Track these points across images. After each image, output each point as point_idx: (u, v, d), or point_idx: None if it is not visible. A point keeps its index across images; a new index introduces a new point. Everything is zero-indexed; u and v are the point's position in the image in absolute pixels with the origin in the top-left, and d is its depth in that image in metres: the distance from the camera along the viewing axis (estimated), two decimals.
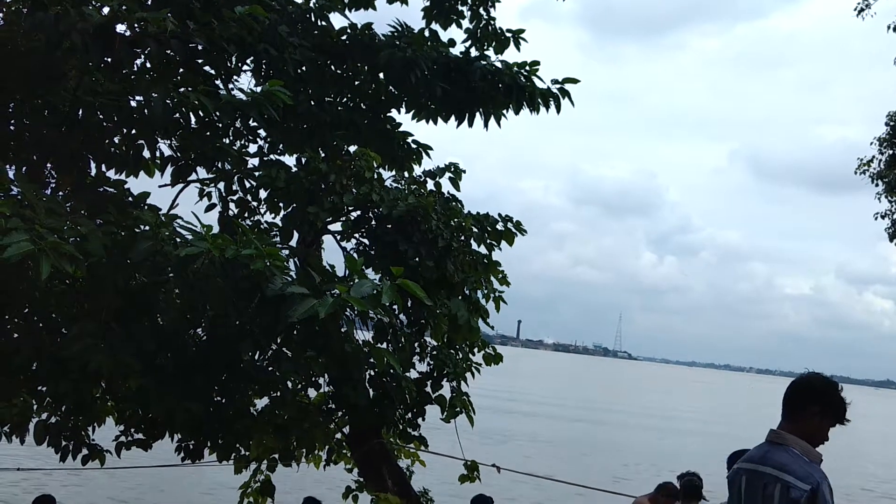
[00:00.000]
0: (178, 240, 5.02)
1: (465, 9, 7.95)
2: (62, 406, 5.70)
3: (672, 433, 38.08)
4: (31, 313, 5.76)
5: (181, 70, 6.11)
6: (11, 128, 6.00)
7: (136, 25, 5.24)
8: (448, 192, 7.51)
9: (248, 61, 6.86)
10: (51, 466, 6.75)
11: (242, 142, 7.28)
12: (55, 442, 5.81)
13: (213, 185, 7.24)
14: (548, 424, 35.22)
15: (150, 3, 5.77)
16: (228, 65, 6.57)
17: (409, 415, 7.13)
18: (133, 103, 5.99)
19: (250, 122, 6.47)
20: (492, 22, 7.94)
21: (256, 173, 6.99)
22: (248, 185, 7.24)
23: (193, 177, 6.93)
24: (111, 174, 6.29)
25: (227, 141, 7.01)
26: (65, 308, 5.66)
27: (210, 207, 7.27)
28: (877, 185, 15.06)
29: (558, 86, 7.47)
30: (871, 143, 15.23)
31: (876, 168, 15.07)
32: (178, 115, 5.77)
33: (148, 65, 5.96)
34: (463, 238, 7.05)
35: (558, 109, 7.48)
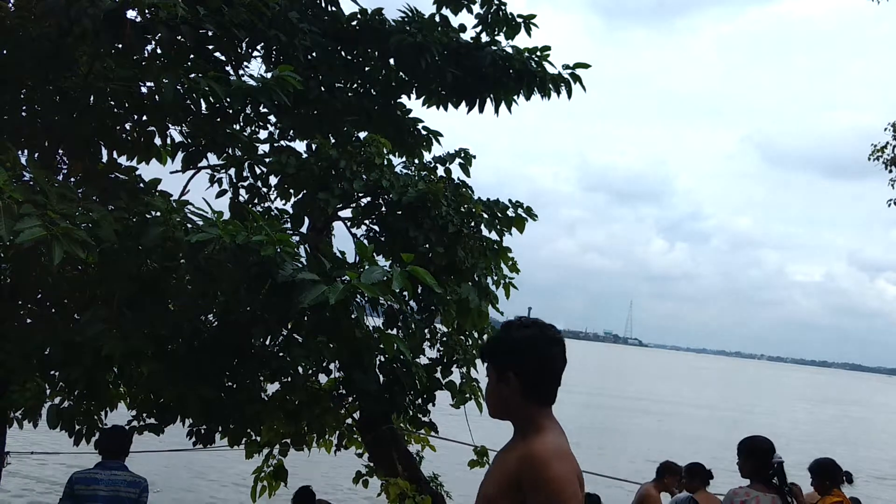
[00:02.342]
0: (190, 226, 5.04)
1: None
2: (75, 390, 5.74)
3: (681, 421, 38.07)
4: (44, 298, 5.80)
5: (192, 56, 6.11)
6: (23, 114, 6.02)
7: (146, 11, 5.24)
8: (458, 178, 7.50)
9: (258, 47, 6.85)
10: (64, 450, 6.81)
11: (253, 128, 7.30)
12: (68, 426, 5.86)
13: (223, 171, 7.26)
14: (557, 413, 35.23)
15: None
16: (239, 51, 6.57)
17: (420, 400, 7.15)
18: (144, 89, 6.00)
19: (261, 108, 6.48)
20: (502, 7, 7.89)
21: (267, 159, 7.00)
22: (258, 171, 7.26)
23: (204, 163, 6.95)
24: (122, 160, 6.32)
25: (238, 127, 7.02)
26: (77, 293, 5.70)
27: (221, 193, 7.29)
28: (890, 171, 14.95)
29: (569, 71, 7.43)
30: (886, 129, 15.10)
31: (889, 154, 14.95)
32: (188, 101, 5.77)
33: (159, 51, 5.96)
34: (473, 224, 7.04)
35: (569, 95, 7.43)
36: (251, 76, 6.35)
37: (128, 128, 6.35)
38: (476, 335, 7.57)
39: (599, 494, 8.67)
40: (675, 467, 8.27)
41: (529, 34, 7.86)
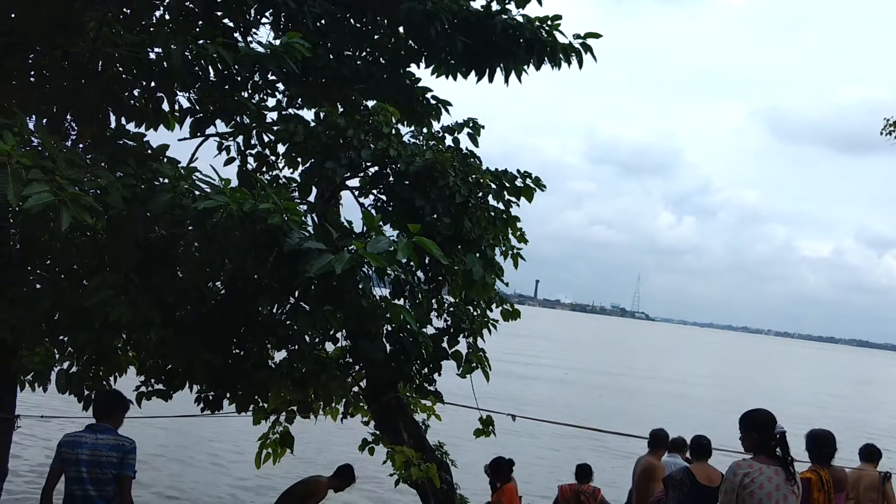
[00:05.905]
0: (197, 193, 5.04)
1: None
2: (83, 356, 5.79)
3: (686, 394, 38.19)
4: (53, 264, 5.83)
5: (200, 22, 6.08)
6: (31, 79, 6.01)
7: None
8: (466, 149, 7.46)
9: (267, 14, 6.80)
10: (73, 415, 6.87)
11: (261, 95, 7.27)
12: (77, 391, 5.92)
13: (231, 138, 7.25)
14: (561, 389, 35.39)
15: None
16: (247, 17, 6.53)
17: (426, 370, 7.19)
18: (152, 55, 5.97)
19: (269, 75, 6.45)
20: None
21: (275, 127, 6.98)
22: (266, 139, 7.24)
23: (212, 130, 6.94)
24: (131, 127, 6.31)
25: (246, 94, 6.99)
26: (85, 259, 5.73)
27: (229, 161, 7.29)
28: None
29: (580, 41, 7.34)
30: None
31: None
32: (196, 67, 5.74)
33: (167, 16, 5.93)
34: (480, 194, 7.02)
35: (580, 65, 7.35)
36: (259, 43, 6.31)
37: (136, 94, 6.34)
38: (483, 305, 7.59)
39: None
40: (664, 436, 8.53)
41: (540, 3, 7.76)
